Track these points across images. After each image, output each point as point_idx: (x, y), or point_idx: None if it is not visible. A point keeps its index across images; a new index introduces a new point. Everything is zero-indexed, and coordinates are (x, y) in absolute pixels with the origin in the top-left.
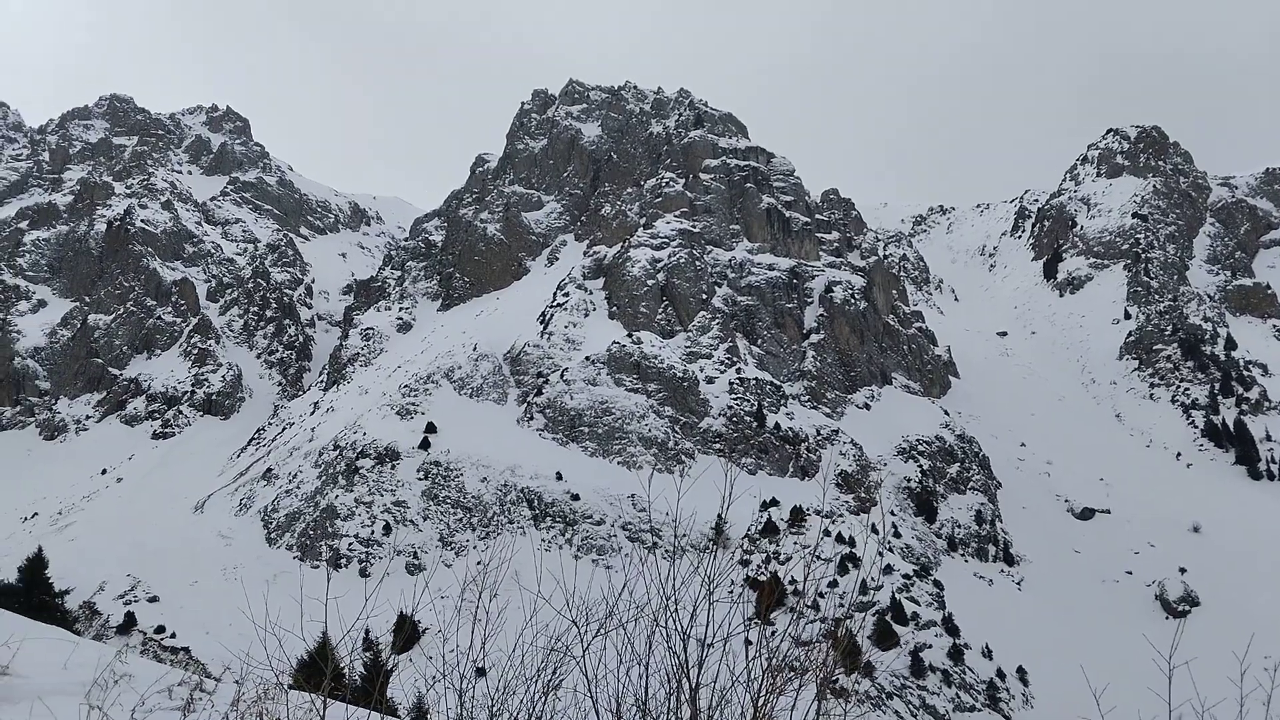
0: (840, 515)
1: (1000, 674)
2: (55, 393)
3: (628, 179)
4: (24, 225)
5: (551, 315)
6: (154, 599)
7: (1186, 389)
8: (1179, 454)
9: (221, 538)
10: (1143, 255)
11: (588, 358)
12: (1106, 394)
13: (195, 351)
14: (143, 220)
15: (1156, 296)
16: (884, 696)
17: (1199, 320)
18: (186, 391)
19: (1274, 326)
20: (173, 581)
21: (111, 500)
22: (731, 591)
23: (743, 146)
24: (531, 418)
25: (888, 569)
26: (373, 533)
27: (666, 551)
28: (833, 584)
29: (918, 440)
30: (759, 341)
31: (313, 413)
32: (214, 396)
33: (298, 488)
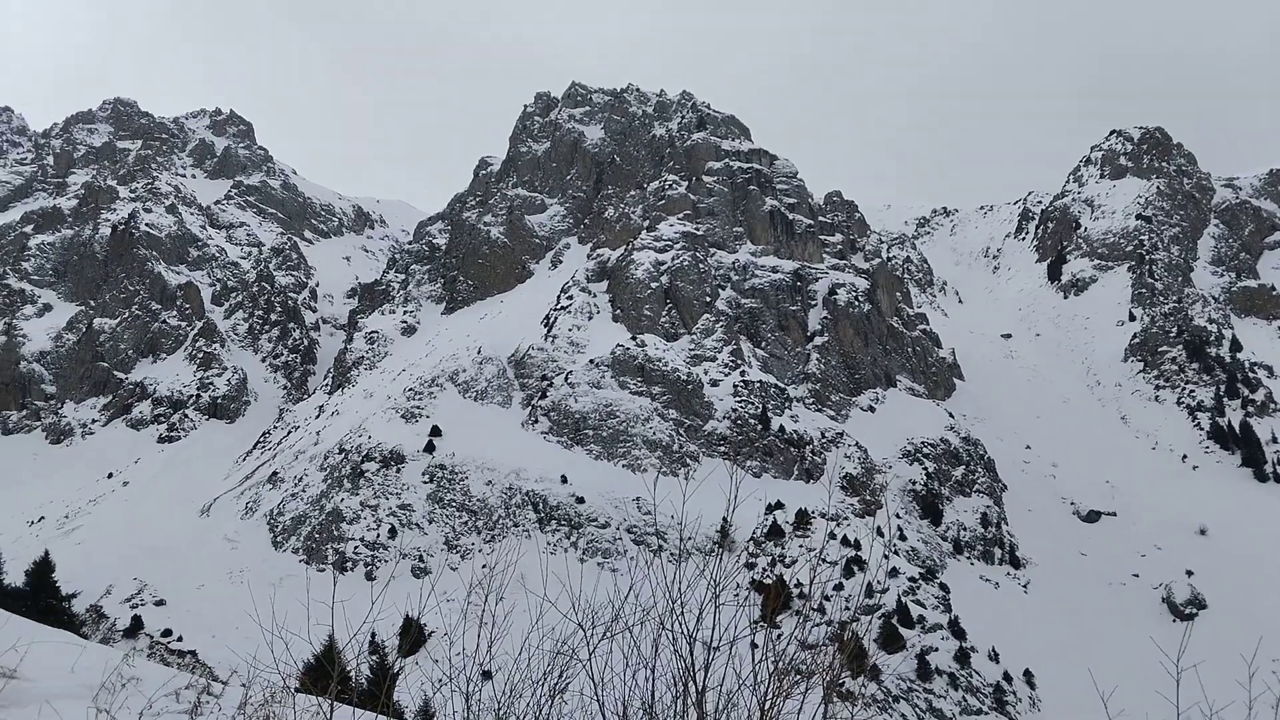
0: (845, 518)
1: (1007, 677)
2: (61, 397)
3: (631, 181)
4: (29, 229)
5: (555, 318)
6: (161, 602)
7: (1192, 391)
8: (1185, 456)
9: (228, 541)
10: (1147, 257)
11: (592, 360)
12: (1111, 396)
13: (200, 355)
14: (147, 224)
15: (1161, 298)
16: (890, 700)
17: (1204, 322)
18: (192, 395)
19: (1279, 328)
20: (179, 585)
21: (118, 504)
22: (737, 595)
23: (746, 149)
24: (536, 421)
25: (893, 572)
26: (378, 536)
27: (672, 555)
28: (838, 587)
29: (923, 443)
30: (763, 344)
31: (318, 416)
32: (219, 400)
33: (303, 491)
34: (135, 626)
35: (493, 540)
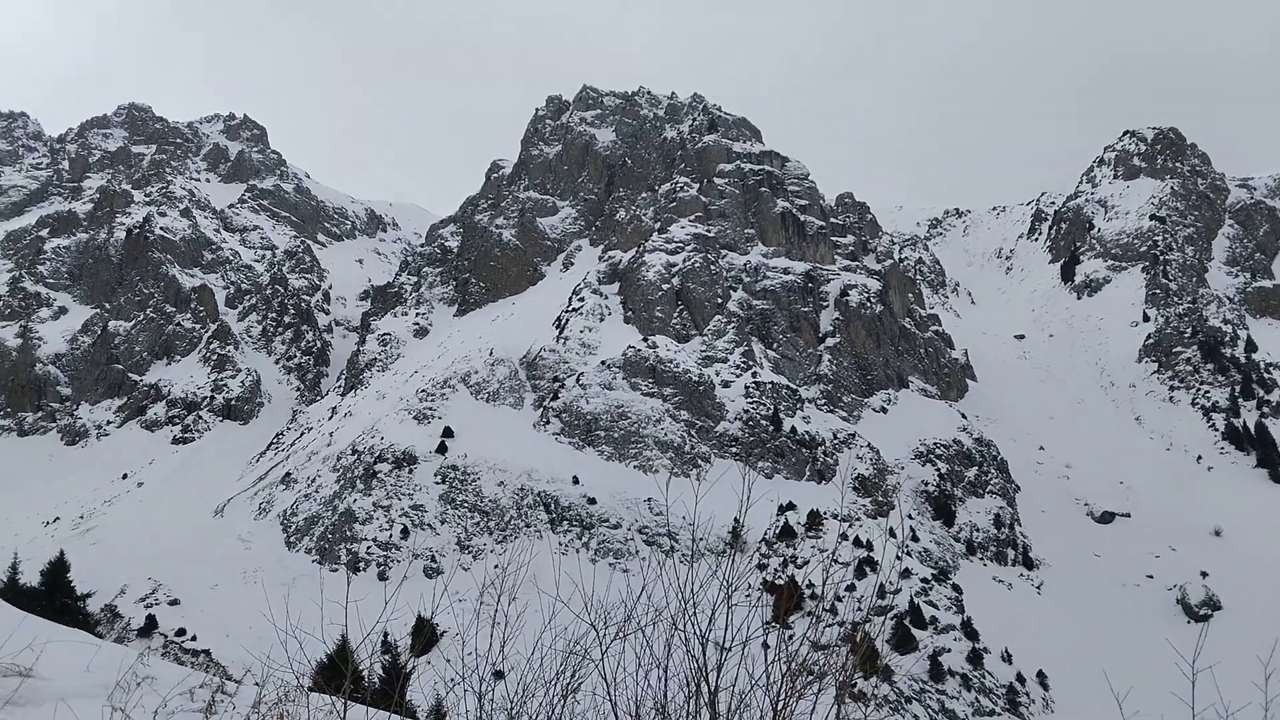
0: (858, 519)
1: (1020, 678)
2: (76, 399)
3: (642, 184)
4: (44, 233)
5: (567, 320)
6: (175, 602)
7: (1207, 391)
8: (1199, 457)
9: (241, 541)
10: (1161, 257)
11: (603, 362)
12: (1126, 397)
13: (214, 357)
14: (162, 228)
15: (1175, 299)
16: (903, 701)
17: (1219, 322)
18: (206, 397)
19: None
20: (193, 585)
21: (132, 505)
22: (749, 595)
23: (757, 151)
24: (548, 422)
25: (906, 573)
26: (391, 536)
27: (684, 555)
28: (850, 588)
29: (935, 443)
30: (774, 345)
31: (330, 417)
32: (233, 402)
33: (316, 492)
34: (149, 626)
35: (504, 541)
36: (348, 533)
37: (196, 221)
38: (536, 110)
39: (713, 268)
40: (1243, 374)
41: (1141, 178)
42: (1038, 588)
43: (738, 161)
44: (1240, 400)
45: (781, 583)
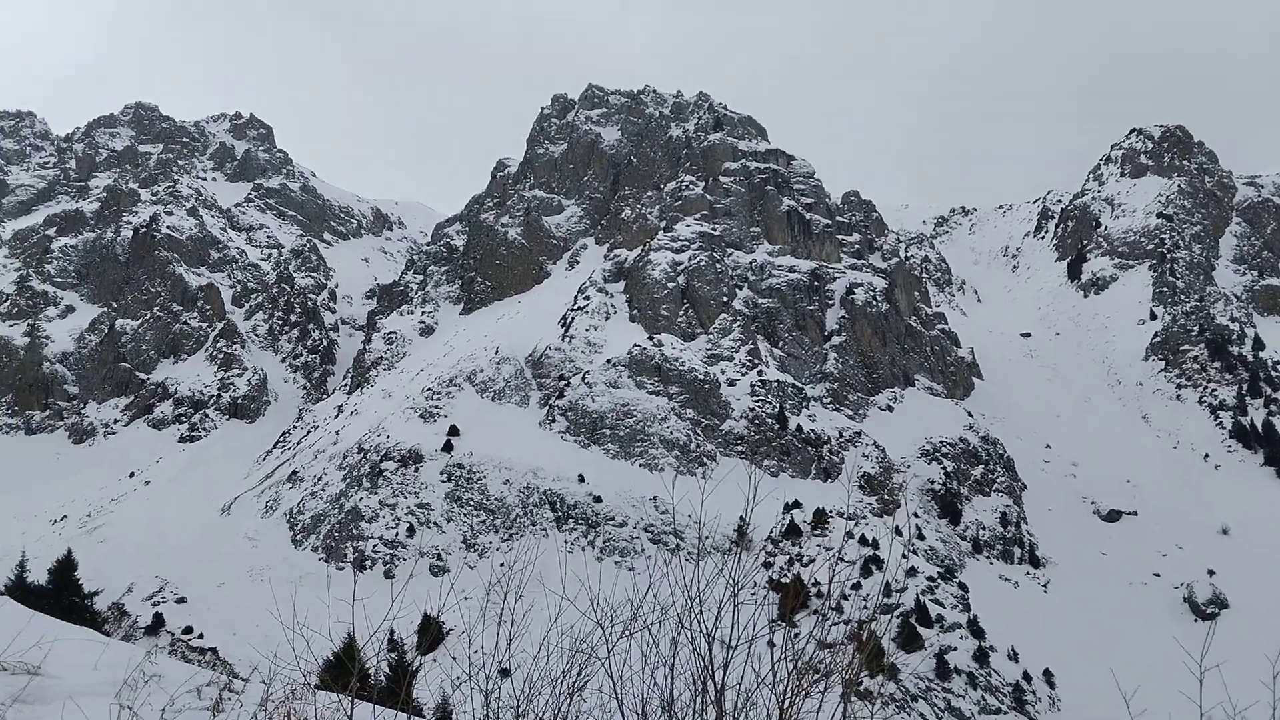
0: (863, 517)
1: (1026, 677)
2: (84, 397)
3: (647, 182)
4: (52, 232)
5: (572, 318)
6: (182, 600)
7: (1214, 390)
8: (1206, 455)
9: (248, 540)
10: (1168, 255)
11: (609, 360)
12: (1133, 395)
13: (221, 356)
14: (168, 227)
15: (1182, 297)
16: (909, 699)
17: (1226, 320)
18: (213, 395)
19: None
20: (200, 583)
21: (139, 503)
22: (755, 594)
23: (762, 149)
24: (553, 420)
25: (912, 571)
26: (397, 535)
27: (689, 554)
28: (856, 586)
29: (941, 442)
30: (780, 344)
31: (337, 416)
32: (240, 400)
33: (323, 490)
34: (156, 624)
35: (510, 539)
36: (354, 531)
37: (203, 220)
38: (542, 109)
39: (718, 266)
40: (1250, 372)
41: (1148, 175)
42: (1044, 586)
43: (743, 160)
44: (1247, 398)
45: (787, 581)
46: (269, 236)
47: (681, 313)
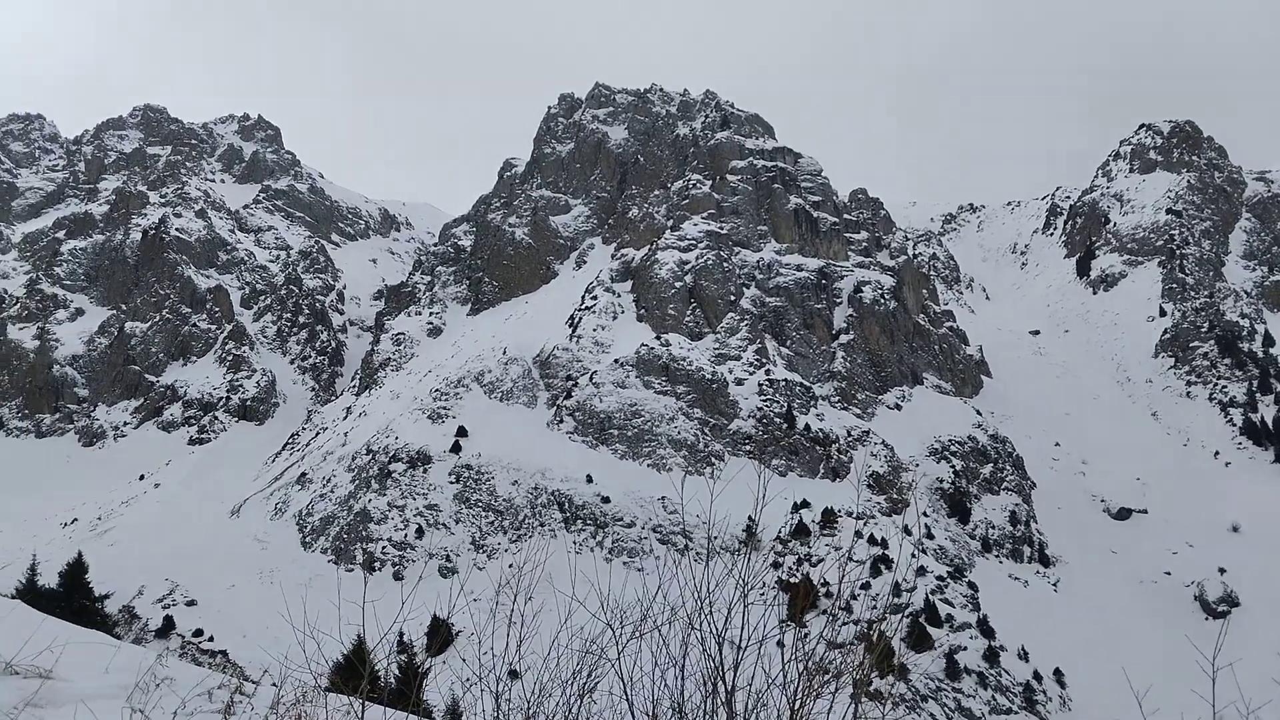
0: (872, 517)
1: (1037, 676)
2: (93, 400)
3: (654, 181)
4: (61, 235)
5: (580, 318)
6: (192, 603)
7: (1224, 386)
8: (1217, 452)
9: (257, 542)
10: (1178, 251)
11: (616, 360)
12: (1142, 392)
13: (230, 358)
14: (177, 229)
15: (1192, 293)
16: (919, 699)
17: (1236, 317)
18: (222, 397)
19: None
20: (210, 585)
21: (149, 505)
22: (764, 594)
23: (769, 147)
24: (561, 420)
25: (921, 571)
26: (405, 536)
27: (698, 554)
28: (865, 586)
29: (950, 440)
30: (788, 343)
31: (345, 417)
32: (249, 402)
33: (332, 492)
34: (167, 627)
35: (519, 540)
36: (363, 533)
37: (211, 222)
38: (549, 108)
39: (725, 265)
40: (1260, 368)
41: (1158, 171)
42: (1054, 585)
43: (750, 158)
44: (1258, 395)
45: (796, 581)
46: (277, 238)
47: (689, 312)
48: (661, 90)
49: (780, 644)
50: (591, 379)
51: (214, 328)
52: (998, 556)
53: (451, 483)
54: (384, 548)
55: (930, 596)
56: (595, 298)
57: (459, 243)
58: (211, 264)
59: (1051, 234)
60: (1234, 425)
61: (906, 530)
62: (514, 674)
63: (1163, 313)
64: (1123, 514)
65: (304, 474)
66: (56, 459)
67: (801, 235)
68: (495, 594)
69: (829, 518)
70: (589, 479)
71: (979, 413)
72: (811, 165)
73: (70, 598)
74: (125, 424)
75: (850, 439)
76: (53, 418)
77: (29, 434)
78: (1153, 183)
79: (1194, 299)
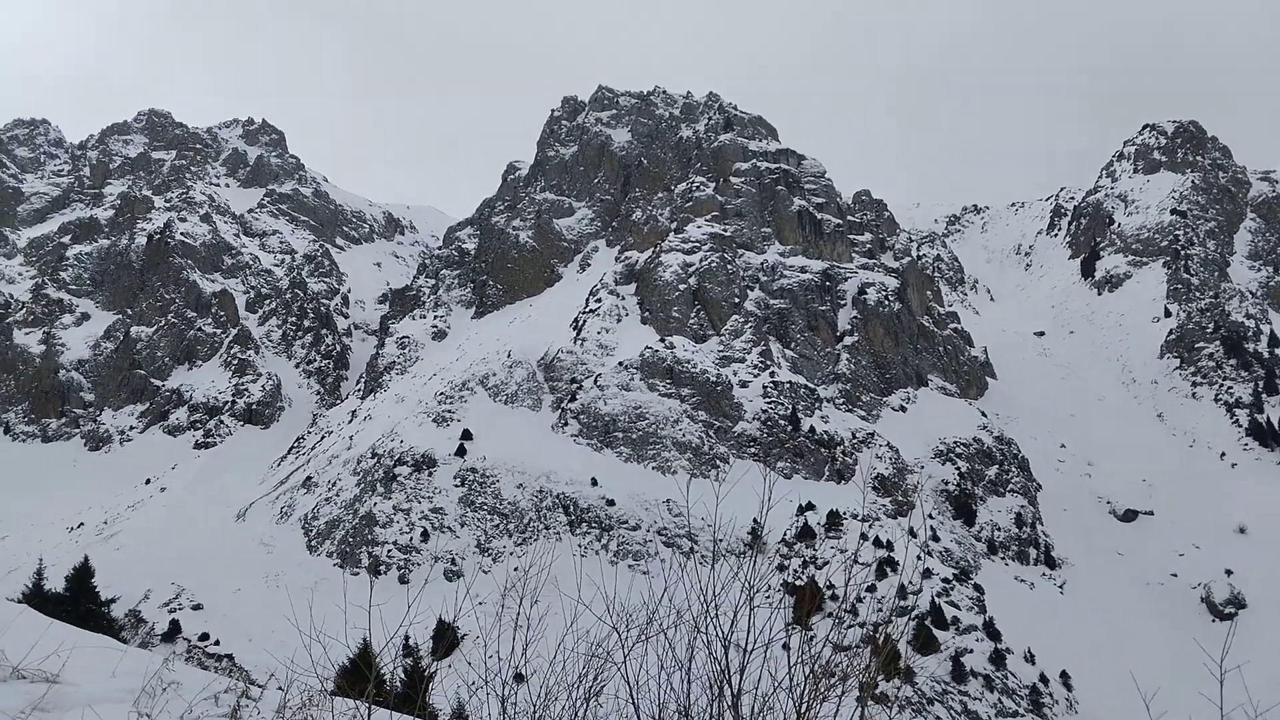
0: (878, 519)
1: (1043, 679)
2: (99, 404)
3: (658, 184)
4: (66, 240)
5: (584, 321)
6: (198, 607)
7: (1230, 387)
8: (1223, 454)
9: (263, 545)
10: (1182, 252)
11: (621, 363)
12: (1148, 393)
13: (235, 362)
14: (182, 233)
15: (1197, 294)
16: (925, 702)
17: (1241, 317)
18: (227, 401)
19: None
20: (216, 589)
21: (155, 509)
22: (769, 597)
23: (773, 149)
24: (566, 424)
25: (927, 573)
26: (411, 539)
27: (703, 557)
28: (871, 588)
29: (955, 442)
30: (792, 345)
31: (350, 421)
32: (254, 406)
33: (337, 495)
34: (173, 631)
35: (524, 543)
36: (368, 536)
37: (216, 226)
38: (552, 111)
39: (729, 267)
40: (1266, 369)
41: (1162, 172)
42: (1060, 587)
43: (754, 160)
44: (1264, 396)
45: (802, 584)
46: (282, 242)
47: (693, 314)
48: (665, 92)
49: (786, 647)
50: (596, 382)
51: (219, 332)
52: (1003, 559)
53: (456, 486)
54: (389, 551)
55: (936, 599)
56: (599, 300)
57: (463, 246)
58: (216, 268)
59: (1056, 235)
60: (1240, 426)
61: (912, 532)
62: (520, 677)
63: (1168, 313)
64: (1129, 516)
65: (309, 478)
66: (63, 463)
67: (805, 237)
68: (500, 597)
69: (834, 520)
70: (594, 482)
71: (984, 414)
72: (815, 167)
73: (76, 602)
74: (131, 428)
75: (855, 441)
76: (59, 422)
77: (35, 438)
78: (1157, 183)
79: (1199, 300)
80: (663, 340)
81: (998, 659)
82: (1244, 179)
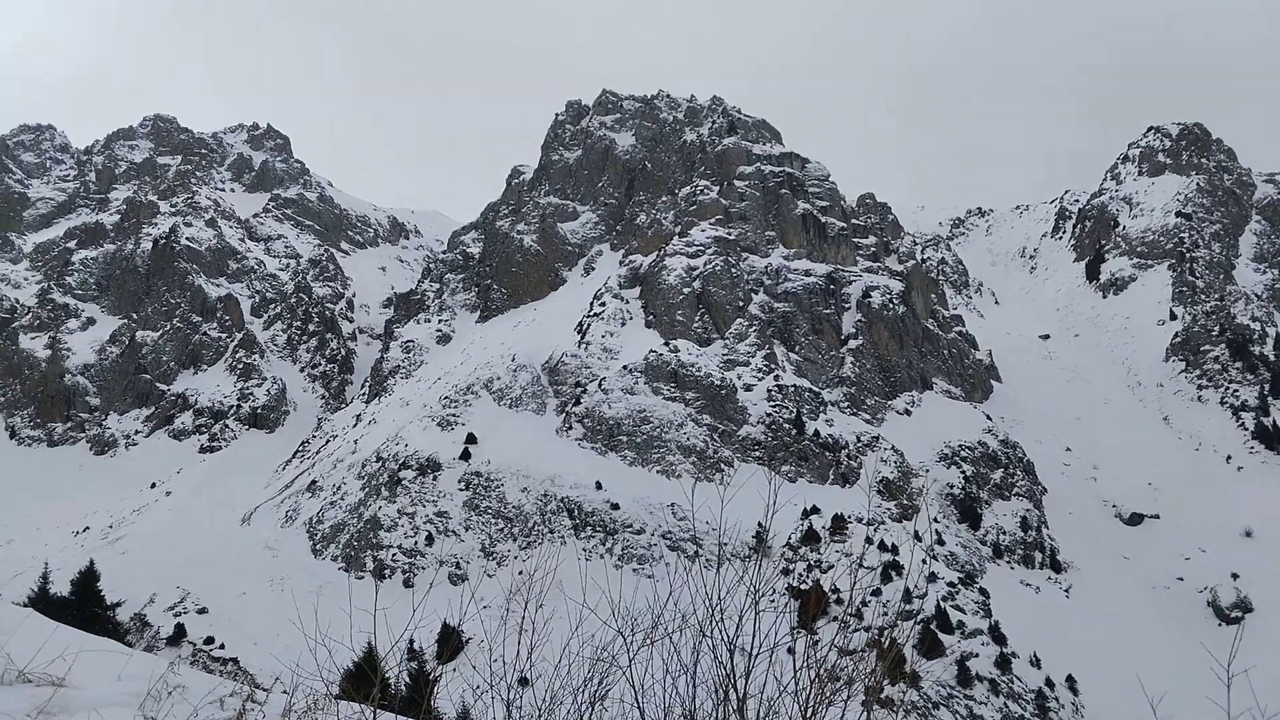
0: (882, 523)
1: (1049, 683)
2: (105, 408)
3: (662, 188)
4: (72, 245)
5: (588, 325)
6: (203, 610)
7: (1235, 390)
8: (1229, 457)
9: (268, 549)
10: (1187, 254)
11: (625, 367)
12: (1153, 396)
13: (240, 366)
14: (187, 238)
15: (1202, 296)
16: (930, 706)
17: (1247, 320)
18: (232, 405)
19: None
20: (221, 593)
21: (161, 513)
22: (775, 601)
23: (777, 153)
24: (570, 427)
25: (932, 577)
26: (416, 543)
27: (708, 561)
28: (876, 593)
29: (960, 446)
30: (797, 348)
31: (355, 425)
32: (259, 410)
33: (342, 499)
34: (178, 634)
35: (529, 547)
36: (373, 540)
37: (221, 231)
38: (556, 115)
39: (734, 271)
40: (1272, 372)
41: (1166, 174)
42: (1066, 591)
43: (758, 164)
44: (1270, 399)
45: (807, 588)
46: (287, 246)
47: (697, 318)
48: (668, 96)
49: (791, 651)
50: (600, 385)
51: (224, 336)
52: (1009, 563)
53: (461, 490)
54: (394, 555)
55: (941, 603)
56: (603, 304)
57: (468, 250)
58: (222, 273)
59: (1060, 238)
60: (1246, 429)
61: (917, 536)
62: (525, 681)
63: (1173, 316)
64: (1134, 519)
65: (314, 481)
66: (68, 467)
67: (809, 240)
68: (505, 601)
69: (839, 524)
70: (598, 486)
71: (989, 418)
72: (819, 170)
73: (82, 606)
74: (136, 432)
75: (860, 445)
76: (64, 426)
77: (41, 443)
78: (1161, 185)
79: (1204, 302)
80: (667, 344)
81: (1003, 663)
82: (1249, 181)
